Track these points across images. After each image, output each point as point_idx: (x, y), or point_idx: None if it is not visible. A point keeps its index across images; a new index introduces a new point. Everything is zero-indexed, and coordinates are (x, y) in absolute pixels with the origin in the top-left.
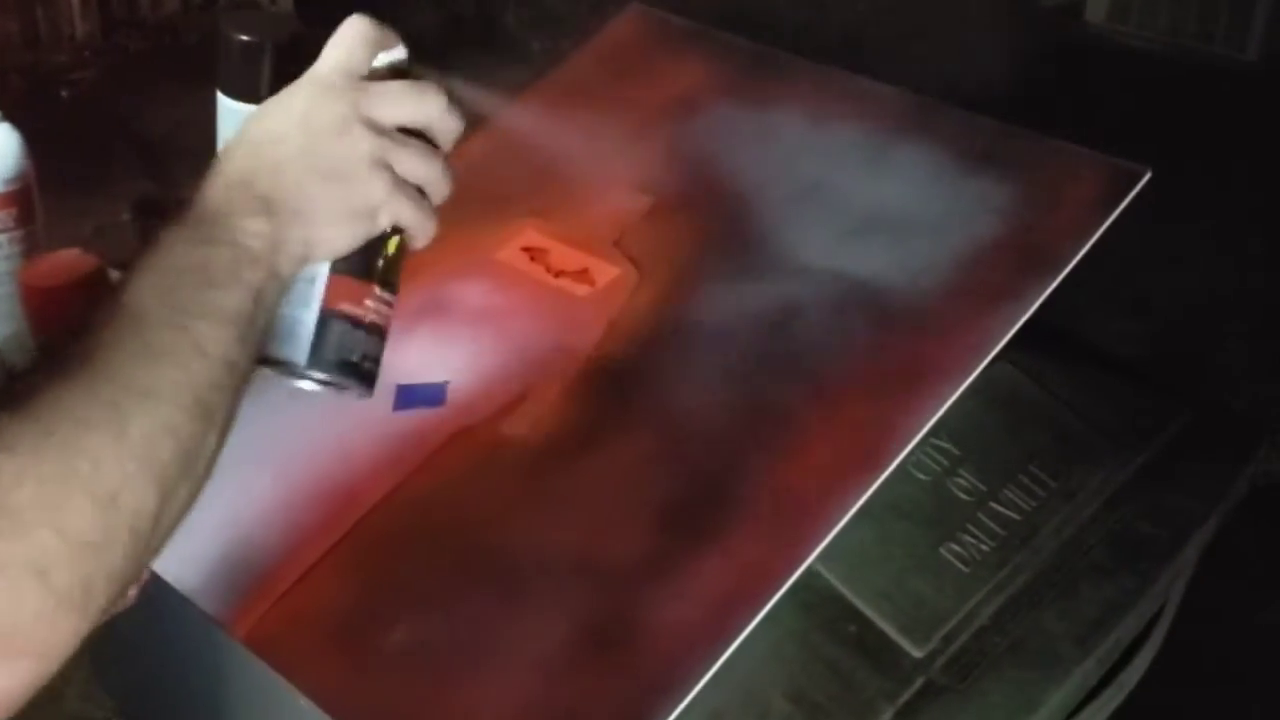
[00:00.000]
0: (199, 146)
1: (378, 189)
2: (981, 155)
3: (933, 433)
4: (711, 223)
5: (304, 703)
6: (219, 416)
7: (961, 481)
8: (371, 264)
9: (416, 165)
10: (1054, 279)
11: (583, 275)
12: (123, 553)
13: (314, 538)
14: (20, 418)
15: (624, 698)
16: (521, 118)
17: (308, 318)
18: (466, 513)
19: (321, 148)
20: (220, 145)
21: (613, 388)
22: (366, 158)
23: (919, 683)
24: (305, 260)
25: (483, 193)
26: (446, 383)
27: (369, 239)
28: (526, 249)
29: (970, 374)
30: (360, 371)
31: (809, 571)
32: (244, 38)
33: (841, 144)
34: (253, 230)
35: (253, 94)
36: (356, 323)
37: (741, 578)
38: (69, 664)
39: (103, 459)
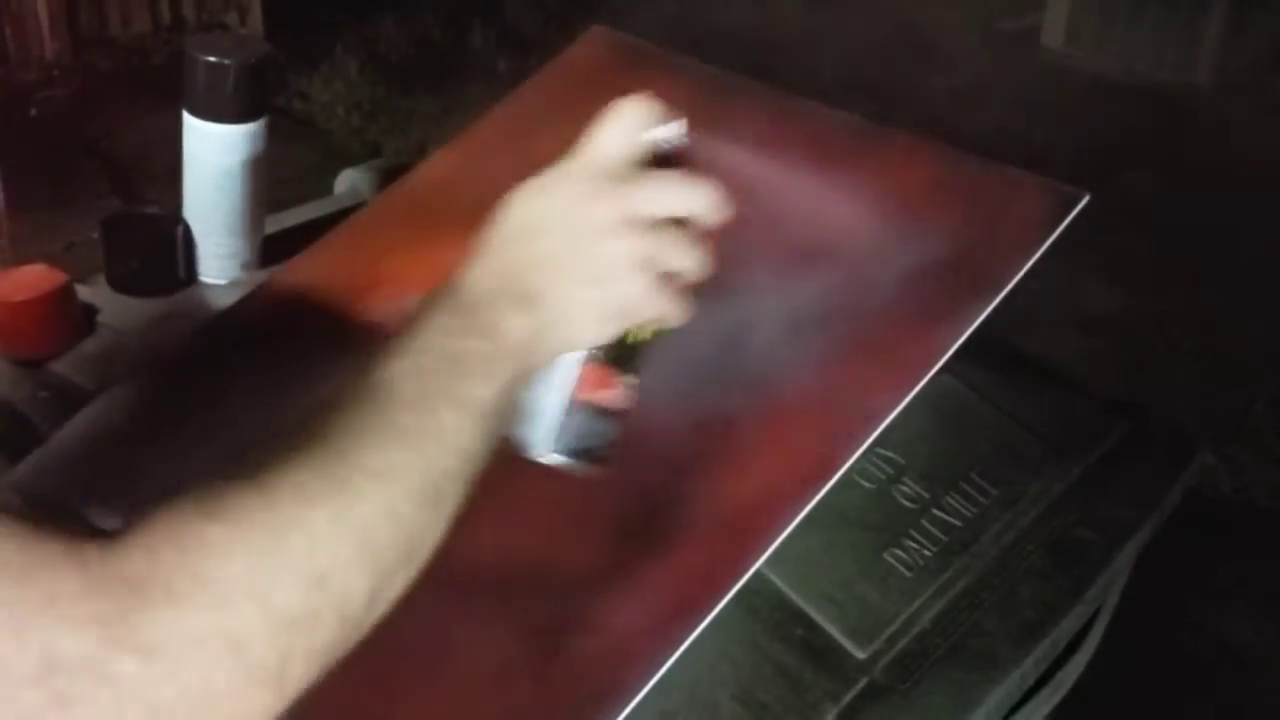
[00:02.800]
0: (167, 165)
1: (641, 289)
2: (926, 178)
3: (878, 442)
4: None
5: None
6: (447, 505)
7: (905, 489)
8: (622, 352)
9: (681, 260)
10: (994, 299)
11: None
12: (326, 634)
13: None
14: (246, 487)
15: (574, 701)
16: (486, 135)
17: (555, 404)
18: None
19: (589, 249)
20: (185, 163)
21: None
22: (634, 259)
23: (863, 683)
24: (559, 355)
25: (447, 208)
26: None
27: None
28: None
29: (913, 389)
30: (596, 456)
31: (757, 576)
32: (211, 59)
33: (791, 166)
34: (513, 326)
35: (219, 114)
36: (601, 411)
37: (690, 584)
38: None
39: (319, 538)
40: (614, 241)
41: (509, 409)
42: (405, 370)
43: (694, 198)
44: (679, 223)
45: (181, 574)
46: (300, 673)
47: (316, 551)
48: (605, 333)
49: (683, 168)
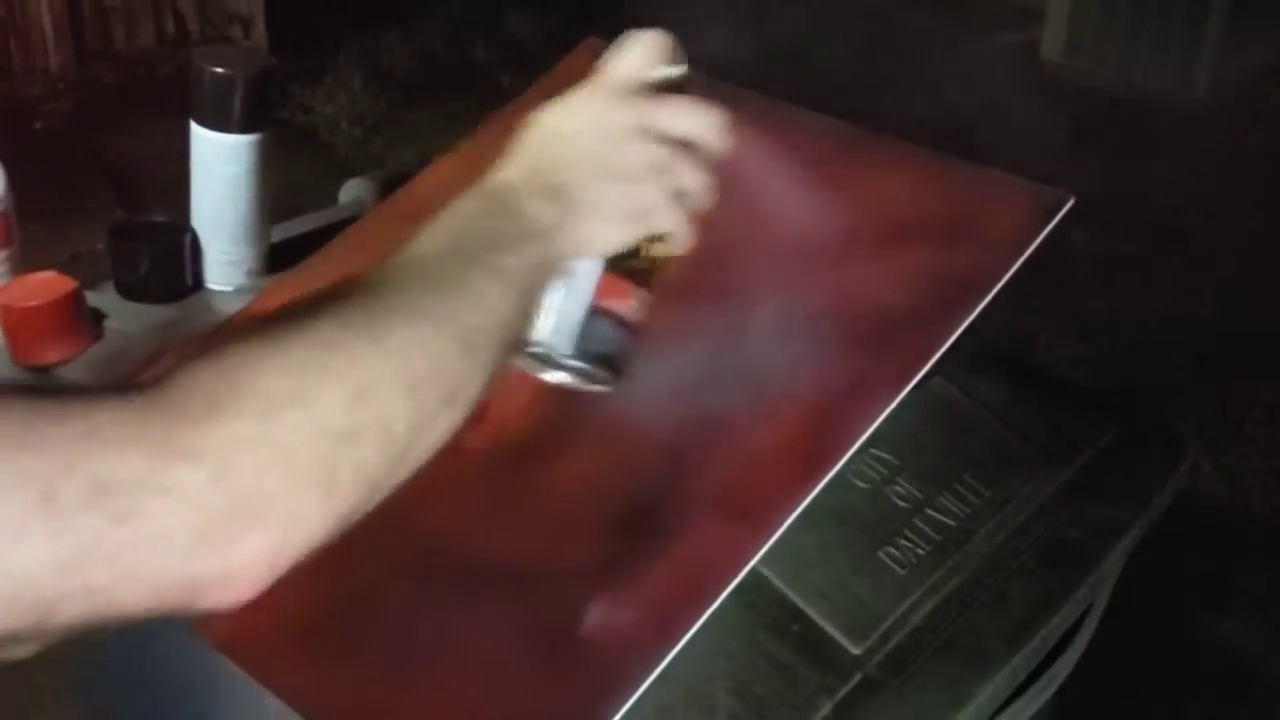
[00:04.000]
0: (172, 177)
1: (658, 195)
2: (915, 182)
3: (872, 443)
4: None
5: (271, 702)
6: (482, 359)
7: (899, 489)
8: (639, 265)
9: (693, 176)
10: (982, 300)
11: None
12: (371, 451)
13: None
14: (288, 320)
15: (577, 695)
16: (482, 145)
17: (577, 309)
18: (427, 521)
19: (614, 149)
20: (194, 174)
21: (568, 402)
22: (653, 164)
23: (857, 678)
24: (580, 252)
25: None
26: None
27: (640, 241)
28: None
29: (905, 388)
30: (614, 365)
31: (754, 574)
32: (218, 70)
33: (783, 172)
34: (542, 213)
35: (225, 124)
36: (620, 320)
37: (688, 581)
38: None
39: (358, 357)
40: (636, 146)
41: (535, 293)
42: (438, 242)
43: (706, 120)
44: (689, 147)
45: (223, 387)
46: (349, 486)
47: (356, 368)
48: (624, 233)
49: (688, 97)
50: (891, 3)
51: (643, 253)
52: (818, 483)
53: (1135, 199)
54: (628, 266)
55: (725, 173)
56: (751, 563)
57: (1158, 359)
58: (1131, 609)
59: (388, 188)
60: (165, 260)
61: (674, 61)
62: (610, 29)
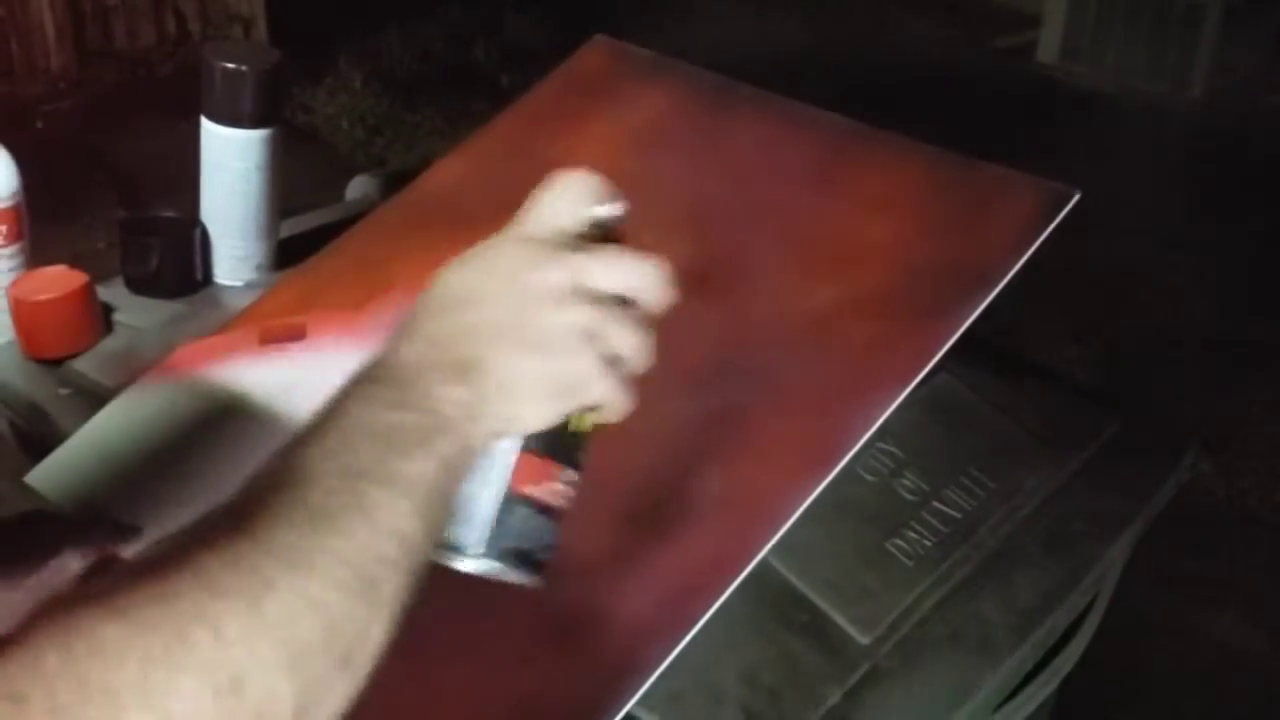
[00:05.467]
0: (173, 176)
1: (587, 365)
2: (921, 178)
3: (879, 437)
4: (672, 244)
5: None
6: (386, 597)
7: (906, 482)
8: (563, 442)
9: (628, 339)
10: (989, 294)
11: None
12: None
13: None
14: (147, 580)
15: (590, 683)
16: (490, 143)
17: (488, 497)
18: None
19: (534, 314)
20: (204, 170)
21: None
22: (581, 330)
23: (865, 667)
24: (501, 435)
25: (454, 212)
26: None
27: (568, 416)
28: None
29: (911, 382)
30: (533, 562)
31: (764, 565)
32: (229, 66)
33: (791, 169)
34: (450, 398)
35: (236, 119)
36: (541, 508)
37: (700, 570)
38: None
39: (227, 632)
40: (559, 311)
41: (450, 490)
42: (329, 448)
43: (641, 274)
44: (624, 304)
45: (67, 682)
46: None
47: (228, 650)
48: (548, 411)
49: (623, 246)
50: (890, 5)
51: (571, 426)
52: (826, 475)
53: (1135, 200)
54: (553, 444)
55: (732, 170)
56: (761, 553)
57: (1157, 359)
58: (1130, 607)
59: (394, 184)
60: (175, 255)
61: (606, 204)
62: (611, 30)
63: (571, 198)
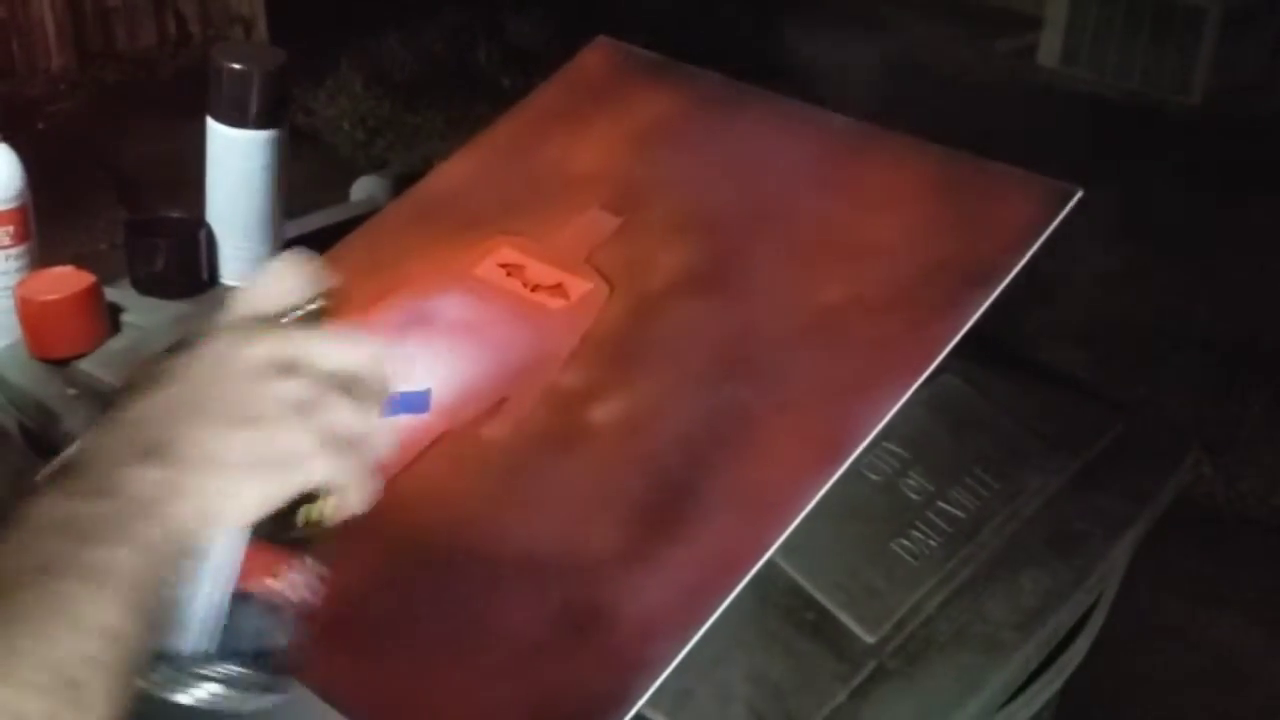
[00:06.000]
0: (175, 177)
1: (301, 438)
2: (924, 176)
3: (884, 437)
4: (677, 242)
5: (303, 691)
6: (94, 700)
7: (911, 482)
8: (295, 532)
9: (347, 416)
10: (993, 292)
11: (558, 289)
12: None
13: None
14: None
15: (600, 679)
16: (496, 142)
17: (208, 596)
18: (450, 510)
19: (231, 391)
20: (210, 170)
21: (587, 394)
22: (286, 402)
23: (871, 666)
24: (214, 516)
25: (460, 213)
26: (430, 390)
27: (293, 499)
28: (504, 265)
29: (917, 380)
30: (269, 664)
31: (770, 564)
32: (236, 66)
33: (795, 168)
34: (140, 480)
35: (242, 120)
36: (272, 605)
37: (708, 569)
38: None
39: None
40: (264, 382)
41: (156, 578)
42: (18, 543)
43: (359, 351)
44: (347, 384)
45: None
46: None
47: None
48: (261, 491)
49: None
50: (890, 8)
51: (302, 517)
52: (834, 472)
53: (1135, 202)
54: (282, 533)
55: (736, 170)
56: (769, 552)
57: (1157, 360)
58: (1132, 608)
59: (399, 185)
60: (182, 255)
61: (319, 285)
62: (611, 31)
63: (280, 281)
